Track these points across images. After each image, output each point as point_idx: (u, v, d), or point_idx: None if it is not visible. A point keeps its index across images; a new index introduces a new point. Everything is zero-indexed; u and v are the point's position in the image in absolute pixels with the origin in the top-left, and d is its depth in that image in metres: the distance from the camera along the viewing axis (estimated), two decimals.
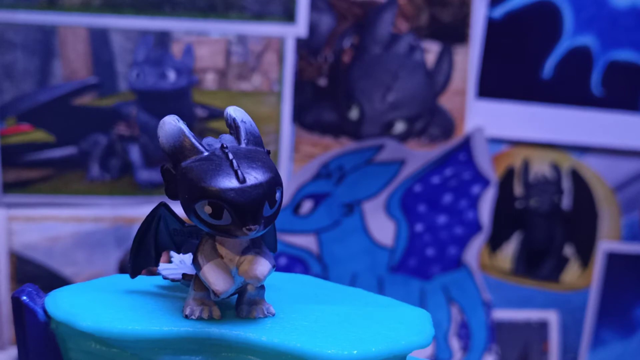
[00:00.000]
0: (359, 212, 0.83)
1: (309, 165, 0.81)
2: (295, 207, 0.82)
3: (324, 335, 0.27)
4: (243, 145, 0.27)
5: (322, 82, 0.80)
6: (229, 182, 0.25)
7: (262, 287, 0.28)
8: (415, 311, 0.30)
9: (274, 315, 0.28)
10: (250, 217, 0.25)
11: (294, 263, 0.83)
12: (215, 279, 0.27)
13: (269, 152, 0.28)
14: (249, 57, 0.78)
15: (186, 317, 0.27)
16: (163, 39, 0.76)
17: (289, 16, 0.78)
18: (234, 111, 0.27)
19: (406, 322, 0.29)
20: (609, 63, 0.85)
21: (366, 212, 0.84)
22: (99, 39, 0.75)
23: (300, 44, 0.79)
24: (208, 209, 0.25)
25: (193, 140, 0.26)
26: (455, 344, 0.87)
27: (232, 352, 0.27)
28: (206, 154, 0.26)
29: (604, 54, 0.84)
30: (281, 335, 0.27)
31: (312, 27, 0.79)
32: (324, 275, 0.83)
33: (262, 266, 0.26)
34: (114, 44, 0.75)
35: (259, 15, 0.77)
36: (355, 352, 0.26)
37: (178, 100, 0.77)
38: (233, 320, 0.28)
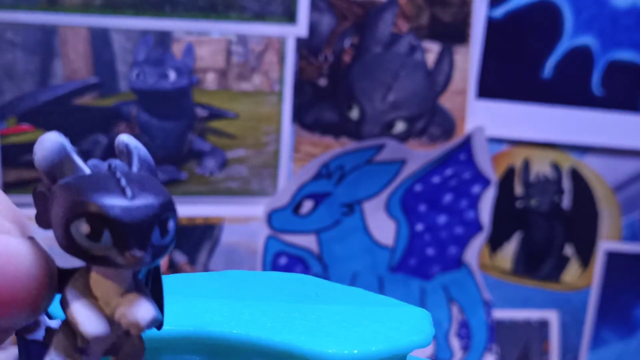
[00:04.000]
0: (359, 212, 0.83)
1: (309, 165, 0.81)
2: (296, 206, 0.82)
3: (325, 334, 0.27)
4: (135, 170, 0.23)
5: (323, 82, 0.80)
6: (114, 197, 0.21)
7: (142, 345, 0.23)
8: (416, 311, 0.30)
9: None
10: (136, 240, 0.21)
11: (294, 263, 0.83)
12: (87, 318, 0.22)
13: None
14: (249, 57, 0.78)
15: None
16: (163, 38, 0.76)
17: (289, 16, 0.78)
18: (127, 138, 0.24)
19: (406, 321, 0.29)
20: (609, 63, 0.85)
21: (366, 212, 0.84)
22: (100, 39, 0.75)
23: (301, 43, 0.79)
24: (85, 228, 0.21)
25: (75, 157, 0.22)
26: (455, 343, 0.87)
27: (232, 352, 0.27)
28: (89, 172, 0.22)
29: (604, 54, 0.84)
30: (281, 335, 0.27)
31: (313, 27, 0.79)
32: (324, 275, 0.83)
33: (146, 309, 0.22)
34: (115, 44, 0.75)
35: (260, 15, 0.77)
36: (355, 351, 0.26)
37: (178, 100, 0.77)
38: (233, 320, 0.28)
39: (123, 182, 0.21)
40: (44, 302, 0.22)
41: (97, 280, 0.22)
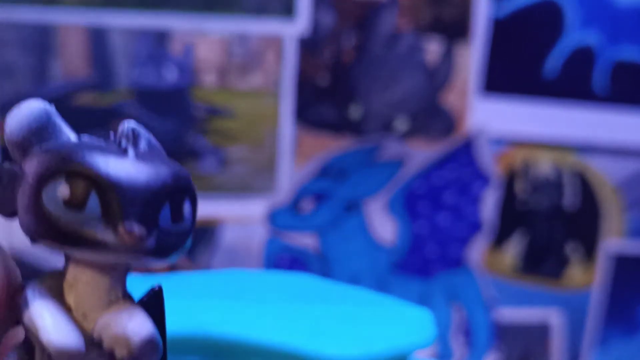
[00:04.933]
0: (361, 211, 0.83)
1: (310, 164, 0.81)
2: (296, 206, 0.81)
3: (325, 334, 0.27)
4: (142, 148, 0.17)
5: (324, 80, 0.80)
6: (111, 157, 0.15)
7: None
8: (417, 310, 0.30)
9: None
10: (134, 210, 0.15)
11: (294, 262, 0.82)
12: (52, 323, 0.15)
13: None
14: (249, 56, 0.77)
15: None
16: (163, 37, 0.76)
17: (290, 15, 0.78)
18: (134, 124, 0.18)
19: (408, 321, 0.28)
20: (613, 62, 0.84)
21: (368, 211, 0.83)
22: (98, 37, 0.75)
23: (302, 43, 0.78)
24: (64, 191, 0.15)
25: (61, 123, 0.17)
26: (457, 343, 0.87)
27: (232, 352, 0.27)
28: (77, 139, 0.17)
29: (608, 53, 0.84)
30: (282, 335, 0.27)
31: (314, 26, 0.78)
32: (325, 274, 0.83)
33: (140, 322, 0.15)
34: (114, 42, 0.75)
35: (260, 14, 0.77)
36: (356, 351, 0.26)
37: (178, 99, 0.77)
38: (233, 320, 0.28)
39: (124, 143, 0.16)
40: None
41: (75, 282, 0.16)
